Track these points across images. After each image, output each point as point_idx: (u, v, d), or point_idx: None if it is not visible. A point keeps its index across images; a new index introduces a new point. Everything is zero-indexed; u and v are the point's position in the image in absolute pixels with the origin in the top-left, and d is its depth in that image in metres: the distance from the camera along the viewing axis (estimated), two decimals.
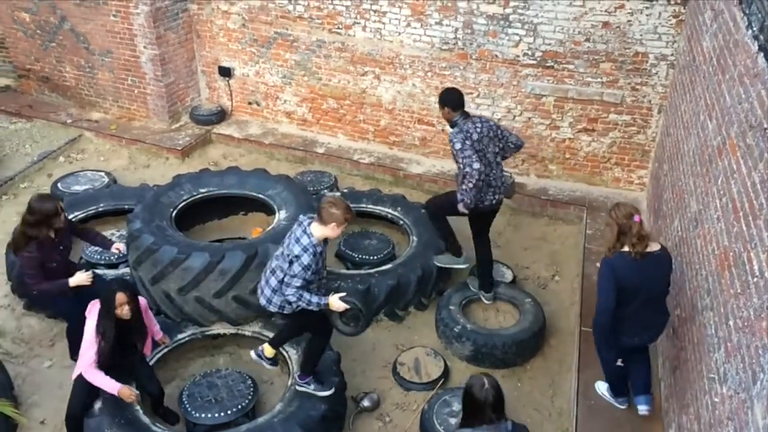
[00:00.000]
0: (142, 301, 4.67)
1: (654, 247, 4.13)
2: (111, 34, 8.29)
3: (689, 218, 4.70)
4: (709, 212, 4.15)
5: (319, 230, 4.24)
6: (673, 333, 4.69)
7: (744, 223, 3.36)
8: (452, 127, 5.33)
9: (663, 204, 5.91)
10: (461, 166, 5.20)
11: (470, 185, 5.17)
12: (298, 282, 4.23)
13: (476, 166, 5.11)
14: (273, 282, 4.39)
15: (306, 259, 4.19)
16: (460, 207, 5.35)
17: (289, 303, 4.38)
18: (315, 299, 4.34)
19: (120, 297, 4.29)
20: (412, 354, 5.50)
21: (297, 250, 4.21)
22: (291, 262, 4.22)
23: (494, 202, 5.51)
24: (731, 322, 3.31)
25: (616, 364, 4.46)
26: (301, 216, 4.47)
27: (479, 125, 5.30)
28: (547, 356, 5.65)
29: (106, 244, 5.24)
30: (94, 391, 4.48)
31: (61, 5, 8.38)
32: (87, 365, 4.35)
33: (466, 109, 5.38)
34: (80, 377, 4.44)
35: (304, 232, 4.27)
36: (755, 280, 3.03)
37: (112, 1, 8.00)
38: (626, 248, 4.12)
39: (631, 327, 4.28)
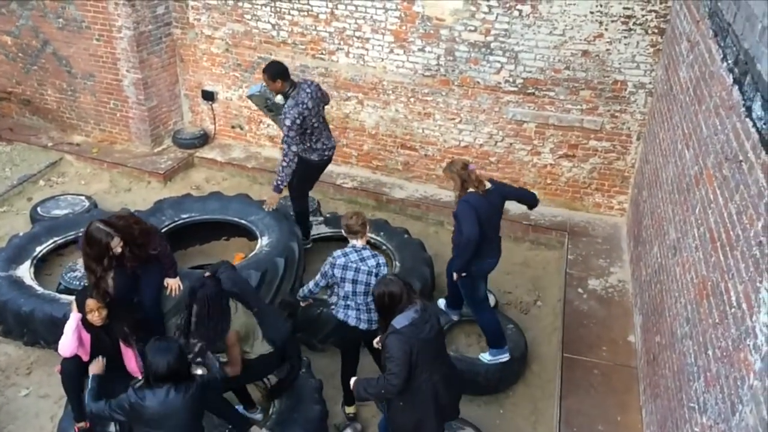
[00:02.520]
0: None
1: (488, 185, 5.17)
2: (94, 58, 8.28)
3: (668, 246, 4.75)
4: (687, 241, 4.20)
5: (362, 241, 4.85)
6: (654, 359, 4.72)
7: (721, 254, 3.40)
8: (285, 97, 5.75)
9: (643, 230, 5.97)
10: (282, 141, 5.80)
11: (288, 169, 5.81)
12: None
13: (294, 149, 5.76)
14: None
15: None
16: (273, 198, 6.04)
17: None
18: None
19: (90, 303, 4.35)
20: None
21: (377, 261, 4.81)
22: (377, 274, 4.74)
23: (326, 157, 6.14)
24: (710, 352, 3.34)
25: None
26: (359, 254, 4.78)
27: (309, 90, 5.80)
28: (529, 382, 5.66)
29: (169, 273, 5.05)
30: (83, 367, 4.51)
31: (43, 29, 8.37)
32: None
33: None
34: (63, 368, 4.52)
35: (364, 255, 4.78)
36: (733, 310, 3.07)
37: (96, 25, 8.00)
38: (471, 190, 5.10)
39: (490, 250, 5.32)
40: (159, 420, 3.73)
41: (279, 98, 5.87)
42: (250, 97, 6.32)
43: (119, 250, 4.57)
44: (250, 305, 4.58)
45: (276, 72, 5.71)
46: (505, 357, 5.44)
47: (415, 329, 3.89)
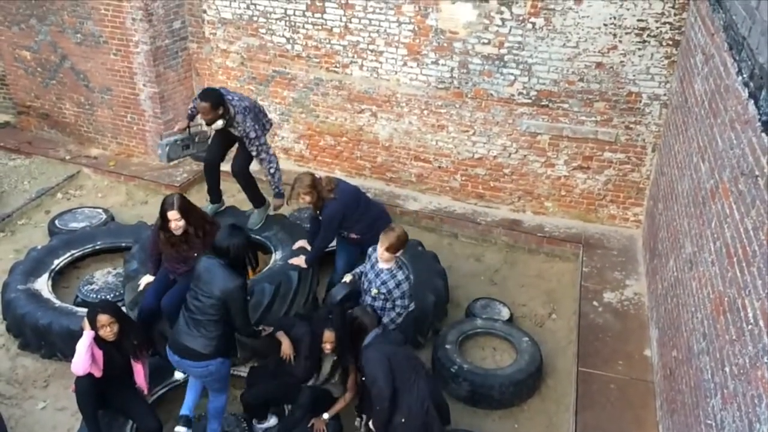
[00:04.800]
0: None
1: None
2: (111, 72, 8.38)
3: (684, 259, 4.72)
4: (703, 255, 4.17)
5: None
6: (670, 374, 4.68)
7: (738, 269, 3.37)
8: (225, 120, 5.72)
9: (658, 243, 5.93)
10: (257, 155, 5.88)
11: (278, 172, 5.98)
12: None
13: (270, 151, 5.92)
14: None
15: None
16: (279, 202, 6.13)
17: None
18: None
19: (101, 318, 4.41)
20: None
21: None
22: None
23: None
24: (727, 369, 3.31)
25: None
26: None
27: (236, 96, 5.87)
28: (544, 396, 5.62)
29: None
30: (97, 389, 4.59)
31: (62, 44, 8.50)
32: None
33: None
34: (78, 387, 4.56)
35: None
36: (750, 327, 3.04)
37: (113, 40, 8.11)
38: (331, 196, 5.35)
39: (371, 232, 5.32)
40: (198, 280, 4.46)
41: (219, 123, 5.76)
42: (170, 159, 6.46)
43: (174, 225, 4.84)
44: None
45: (218, 100, 5.64)
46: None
47: (382, 338, 4.43)
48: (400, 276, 4.85)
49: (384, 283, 4.84)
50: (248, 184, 6.31)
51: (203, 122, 5.93)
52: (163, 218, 4.91)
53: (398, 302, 4.88)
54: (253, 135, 5.76)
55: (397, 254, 4.84)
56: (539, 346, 5.78)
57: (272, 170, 5.94)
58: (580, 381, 5.32)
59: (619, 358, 5.54)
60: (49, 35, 8.52)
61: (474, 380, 5.38)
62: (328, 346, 4.67)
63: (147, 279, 5.20)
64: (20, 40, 8.77)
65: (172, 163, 8.59)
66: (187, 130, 6.29)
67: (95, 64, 8.44)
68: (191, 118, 6.19)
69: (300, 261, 5.56)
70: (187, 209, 4.94)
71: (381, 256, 4.81)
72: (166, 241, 5.03)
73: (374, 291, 4.87)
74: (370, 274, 4.94)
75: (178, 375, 5.19)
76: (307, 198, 5.29)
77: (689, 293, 4.41)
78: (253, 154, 5.90)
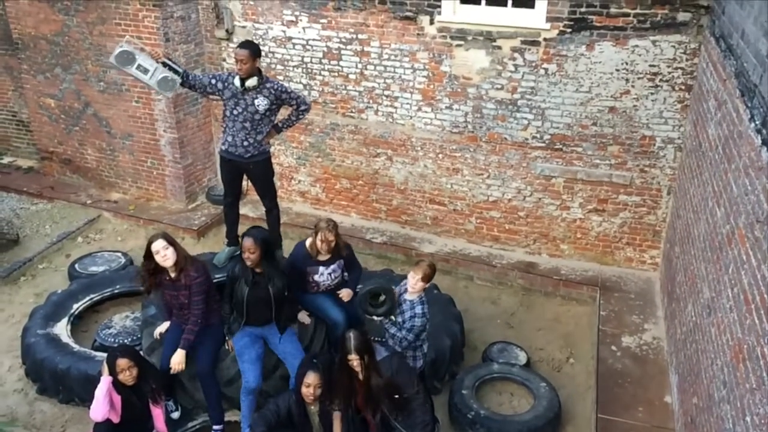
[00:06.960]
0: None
1: None
2: (132, 119, 8.58)
3: (702, 304, 4.68)
4: (721, 301, 4.14)
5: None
6: (691, 422, 4.60)
7: (756, 317, 3.35)
8: (259, 75, 5.62)
9: (676, 287, 5.89)
10: (297, 106, 5.86)
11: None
12: None
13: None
14: None
15: None
16: (275, 135, 6.10)
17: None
18: None
19: (120, 362, 4.46)
20: None
21: None
22: None
23: None
24: (748, 419, 3.26)
25: None
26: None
27: None
28: None
29: (187, 333, 4.96)
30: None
31: (85, 92, 8.73)
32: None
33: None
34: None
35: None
36: None
37: (135, 88, 8.32)
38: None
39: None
40: None
41: (254, 81, 5.54)
42: (117, 60, 5.45)
43: (162, 254, 4.72)
44: None
45: (258, 50, 5.62)
46: None
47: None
48: (418, 309, 4.93)
49: (402, 312, 4.95)
50: (277, 220, 6.52)
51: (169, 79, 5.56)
52: (149, 252, 4.75)
53: (407, 325, 4.93)
54: (289, 89, 5.87)
55: (427, 286, 5.00)
56: (557, 391, 5.71)
57: (302, 116, 6.02)
58: (600, 428, 5.24)
59: (639, 404, 5.46)
60: (73, 83, 8.77)
61: (491, 426, 5.31)
62: (312, 391, 4.40)
63: (164, 326, 5.23)
64: (45, 89, 9.02)
65: (190, 206, 8.76)
66: (162, 61, 5.57)
67: (117, 111, 8.65)
68: (166, 65, 5.61)
69: (346, 293, 5.54)
70: (174, 242, 4.83)
71: (414, 286, 4.90)
72: (153, 284, 4.91)
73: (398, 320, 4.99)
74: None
75: None
76: (334, 241, 5.21)
77: (708, 339, 4.37)
78: (294, 105, 5.87)
